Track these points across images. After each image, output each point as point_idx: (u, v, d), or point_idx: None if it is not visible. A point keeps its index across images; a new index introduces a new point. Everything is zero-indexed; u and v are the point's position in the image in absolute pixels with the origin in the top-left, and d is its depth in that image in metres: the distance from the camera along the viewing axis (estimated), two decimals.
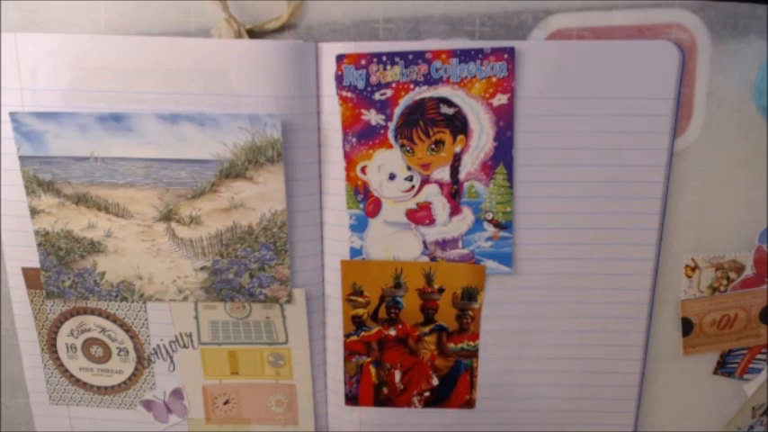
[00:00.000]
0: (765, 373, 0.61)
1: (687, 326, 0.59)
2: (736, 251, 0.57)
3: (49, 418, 0.66)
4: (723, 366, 0.61)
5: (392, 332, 0.60)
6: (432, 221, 0.57)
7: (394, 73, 0.53)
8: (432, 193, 0.56)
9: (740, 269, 0.58)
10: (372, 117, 0.54)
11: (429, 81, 0.53)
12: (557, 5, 0.52)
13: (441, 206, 0.56)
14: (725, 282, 0.58)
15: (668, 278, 0.58)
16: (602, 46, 0.52)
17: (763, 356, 0.61)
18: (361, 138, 0.55)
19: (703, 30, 0.52)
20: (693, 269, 0.57)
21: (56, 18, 0.55)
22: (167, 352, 0.62)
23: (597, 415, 0.61)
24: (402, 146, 0.55)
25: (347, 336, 0.60)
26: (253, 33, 0.54)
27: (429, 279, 0.58)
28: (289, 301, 0.58)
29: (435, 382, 0.62)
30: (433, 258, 0.58)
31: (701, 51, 0.52)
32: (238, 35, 0.53)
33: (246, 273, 0.57)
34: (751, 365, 0.61)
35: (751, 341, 0.60)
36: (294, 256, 0.57)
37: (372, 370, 0.61)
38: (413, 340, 0.60)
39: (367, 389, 0.62)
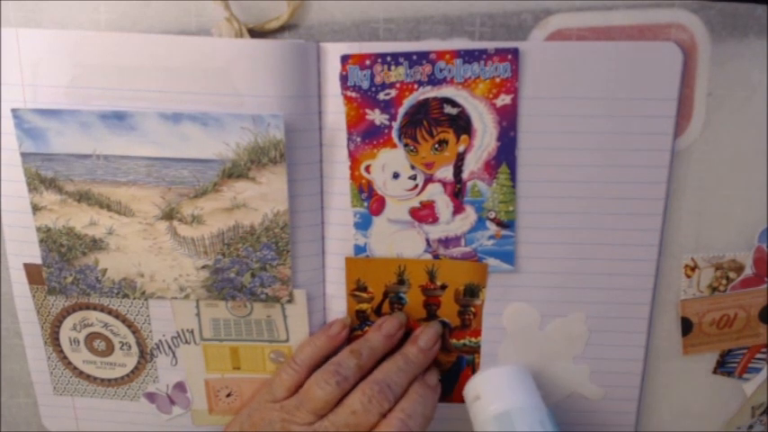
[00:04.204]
0: (765, 372, 0.62)
1: (687, 325, 0.59)
2: (735, 251, 0.57)
3: (53, 408, 0.67)
4: (723, 366, 0.61)
5: None
6: (435, 220, 0.57)
7: (398, 73, 0.53)
8: (435, 192, 0.56)
9: (740, 269, 0.58)
10: (377, 117, 0.54)
11: (433, 81, 0.53)
12: (557, 5, 0.52)
13: (444, 205, 0.56)
14: (724, 281, 0.58)
15: (668, 278, 0.58)
16: (606, 47, 0.52)
17: (763, 356, 0.61)
18: (366, 137, 0.55)
19: (703, 30, 0.52)
20: (693, 269, 0.58)
21: (56, 18, 0.54)
22: (169, 347, 0.62)
23: (597, 415, 0.62)
24: (406, 145, 0.55)
25: (351, 330, 0.61)
26: (253, 33, 0.54)
27: (432, 276, 0.59)
28: (290, 301, 0.59)
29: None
30: (436, 256, 0.58)
31: (701, 51, 0.52)
32: (239, 35, 0.53)
33: (248, 272, 0.57)
34: (750, 365, 0.61)
35: (750, 341, 0.60)
36: (295, 255, 0.58)
37: None
38: None
39: None
